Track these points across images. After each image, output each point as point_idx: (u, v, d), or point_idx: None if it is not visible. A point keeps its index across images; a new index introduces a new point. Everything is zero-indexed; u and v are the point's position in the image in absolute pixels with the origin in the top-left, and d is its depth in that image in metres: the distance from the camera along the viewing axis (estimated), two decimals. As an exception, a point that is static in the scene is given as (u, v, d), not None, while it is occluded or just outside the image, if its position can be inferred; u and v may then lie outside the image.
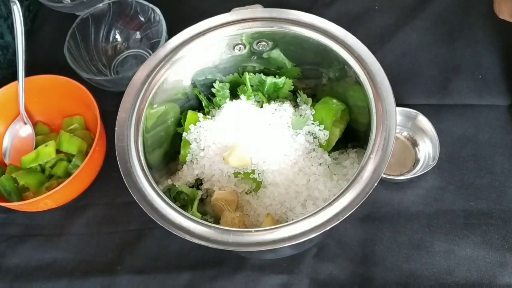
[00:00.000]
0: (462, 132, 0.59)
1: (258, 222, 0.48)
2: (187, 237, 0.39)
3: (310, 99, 0.53)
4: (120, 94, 0.48)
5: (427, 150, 0.58)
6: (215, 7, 0.60)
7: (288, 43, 0.50)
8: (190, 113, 0.52)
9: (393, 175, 0.56)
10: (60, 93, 0.66)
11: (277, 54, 0.52)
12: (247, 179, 0.50)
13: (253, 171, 0.49)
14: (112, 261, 0.58)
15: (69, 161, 0.63)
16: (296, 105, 0.54)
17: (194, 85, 0.54)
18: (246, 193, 0.50)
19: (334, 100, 0.51)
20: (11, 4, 0.63)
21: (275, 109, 0.51)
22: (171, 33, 0.64)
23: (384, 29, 0.69)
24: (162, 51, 0.49)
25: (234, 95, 0.54)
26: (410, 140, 0.60)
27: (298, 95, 0.53)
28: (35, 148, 0.64)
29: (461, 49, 0.66)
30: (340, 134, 0.52)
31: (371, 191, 0.39)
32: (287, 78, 0.53)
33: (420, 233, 0.54)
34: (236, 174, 0.50)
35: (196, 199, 0.49)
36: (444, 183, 0.57)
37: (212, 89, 0.54)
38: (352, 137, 0.53)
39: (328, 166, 0.50)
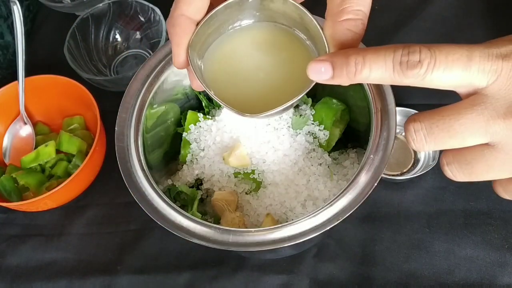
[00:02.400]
0: (462, 132, 0.59)
1: (258, 222, 0.48)
2: (187, 237, 0.39)
3: (310, 99, 0.53)
4: (120, 94, 0.48)
5: (427, 150, 0.58)
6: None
7: (288, 43, 0.50)
8: (190, 113, 0.52)
9: (393, 175, 0.56)
10: (60, 93, 0.66)
11: (277, 54, 0.52)
12: (247, 179, 0.50)
13: (253, 171, 0.49)
14: (112, 261, 0.58)
15: (69, 161, 0.63)
16: (296, 105, 0.54)
17: (194, 85, 0.54)
18: (246, 193, 0.50)
19: (334, 100, 0.51)
20: (11, 4, 0.63)
21: (275, 109, 0.51)
22: (171, 33, 0.64)
23: (384, 29, 0.69)
24: (162, 51, 0.49)
25: (234, 95, 0.54)
26: (410, 140, 0.59)
27: (298, 95, 0.53)
28: (35, 148, 0.64)
29: (461, 49, 0.66)
30: (340, 134, 0.52)
31: (371, 191, 0.39)
32: (287, 78, 0.53)
33: (420, 233, 0.54)
34: (236, 174, 0.50)
35: (196, 199, 0.49)
36: (444, 183, 0.57)
37: (212, 89, 0.54)
38: (352, 137, 0.53)
39: (328, 166, 0.50)
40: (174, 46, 0.35)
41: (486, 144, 0.29)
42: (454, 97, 0.67)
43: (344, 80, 0.31)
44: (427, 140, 0.30)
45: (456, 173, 0.31)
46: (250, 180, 0.50)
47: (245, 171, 0.49)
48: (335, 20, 0.33)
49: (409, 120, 0.31)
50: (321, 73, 0.31)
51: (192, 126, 0.51)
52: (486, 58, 0.28)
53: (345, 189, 0.40)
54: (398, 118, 0.58)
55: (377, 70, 0.29)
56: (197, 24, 0.35)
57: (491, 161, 0.29)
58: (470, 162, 0.30)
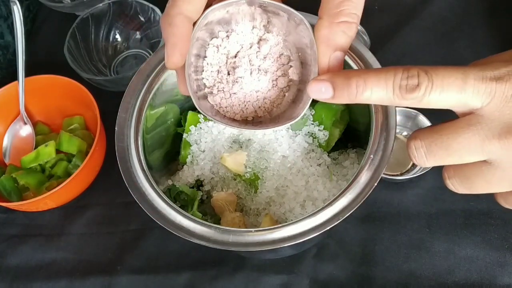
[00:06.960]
0: (462, 132, 0.59)
1: (257, 222, 0.48)
2: (187, 237, 0.39)
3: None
4: (120, 94, 0.48)
5: (427, 150, 0.58)
6: (215, 7, 0.60)
7: (288, 43, 0.50)
8: (190, 114, 0.52)
9: (393, 175, 0.56)
10: (60, 93, 0.66)
11: (277, 54, 0.52)
12: (247, 180, 0.50)
13: (253, 173, 0.49)
14: (112, 261, 0.58)
15: (69, 161, 0.63)
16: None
17: (194, 85, 0.54)
18: (246, 194, 0.50)
19: (334, 100, 0.51)
20: (11, 4, 0.63)
21: (275, 110, 0.51)
22: (171, 33, 0.64)
23: (384, 29, 0.69)
24: (162, 51, 0.49)
25: (234, 95, 0.54)
26: (410, 140, 0.59)
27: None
28: (35, 148, 0.64)
29: (461, 49, 0.66)
30: (339, 134, 0.52)
31: (371, 191, 0.39)
32: (287, 78, 0.53)
33: (420, 233, 0.54)
34: (236, 175, 0.50)
35: (197, 199, 0.49)
36: (444, 183, 0.57)
37: (212, 89, 0.54)
38: (352, 137, 0.53)
39: (328, 167, 0.50)
40: (169, 46, 0.34)
41: (484, 161, 0.30)
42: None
43: (344, 100, 0.32)
44: (428, 157, 0.31)
45: (458, 186, 0.33)
46: (249, 181, 0.50)
47: (244, 173, 0.49)
48: (332, 21, 0.33)
49: (411, 137, 0.32)
50: (321, 92, 0.32)
51: (192, 128, 0.51)
52: (480, 80, 0.29)
53: (345, 189, 0.40)
54: (398, 118, 0.58)
55: (378, 93, 0.30)
56: (193, 24, 0.34)
57: (489, 177, 0.31)
58: (470, 178, 0.32)
